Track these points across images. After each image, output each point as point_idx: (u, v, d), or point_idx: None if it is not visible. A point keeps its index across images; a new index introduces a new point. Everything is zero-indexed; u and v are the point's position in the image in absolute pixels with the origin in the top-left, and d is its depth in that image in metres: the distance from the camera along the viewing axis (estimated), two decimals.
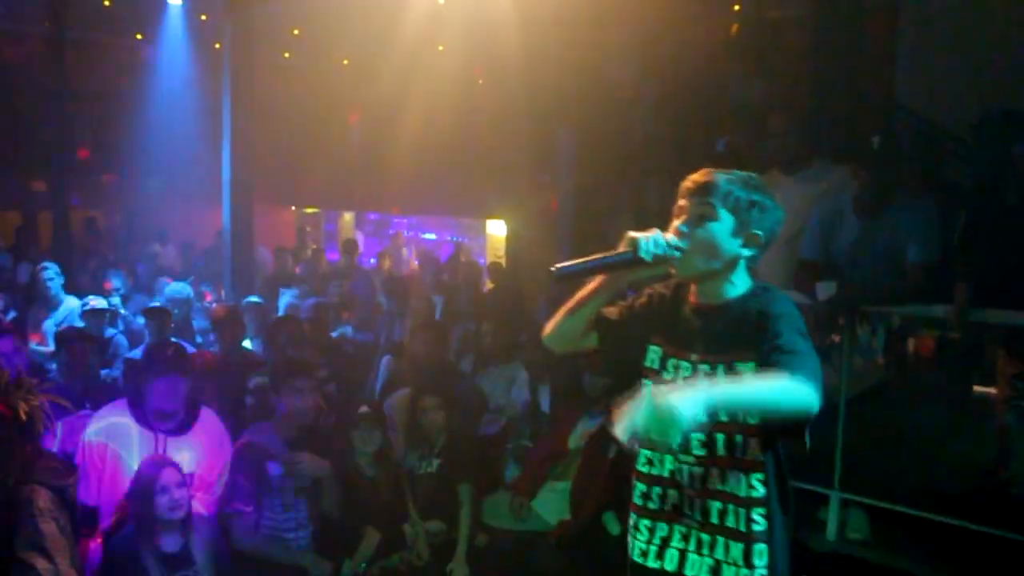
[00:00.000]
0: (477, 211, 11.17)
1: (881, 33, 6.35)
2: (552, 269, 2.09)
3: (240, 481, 4.04)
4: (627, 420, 1.86)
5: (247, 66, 8.32)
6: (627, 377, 2.35)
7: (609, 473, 4.13)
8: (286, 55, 13.50)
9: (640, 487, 2.33)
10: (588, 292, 2.28)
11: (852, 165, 4.18)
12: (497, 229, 11.91)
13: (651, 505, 2.31)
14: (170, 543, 3.55)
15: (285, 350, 5.38)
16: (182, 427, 3.93)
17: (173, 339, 5.36)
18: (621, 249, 2.12)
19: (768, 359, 2.03)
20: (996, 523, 3.72)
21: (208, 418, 4.07)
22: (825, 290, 3.98)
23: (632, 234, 2.11)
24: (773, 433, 2.19)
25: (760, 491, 2.19)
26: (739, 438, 2.18)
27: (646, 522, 2.32)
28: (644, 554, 2.31)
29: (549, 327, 2.37)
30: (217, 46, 9.35)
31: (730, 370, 2.17)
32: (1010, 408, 4.02)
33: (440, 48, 10.08)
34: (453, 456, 4.51)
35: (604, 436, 4.30)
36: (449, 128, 9.15)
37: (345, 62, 13.44)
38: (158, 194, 12.94)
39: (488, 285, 9.03)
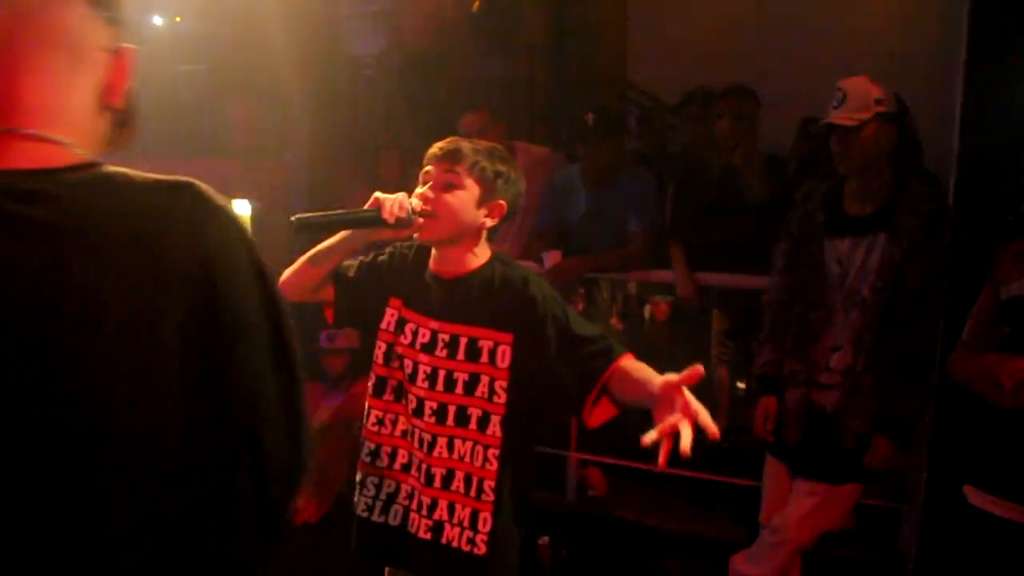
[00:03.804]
0: (219, 191, 10.69)
1: (614, 12, 6.58)
2: (292, 219, 2.07)
3: None
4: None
5: None
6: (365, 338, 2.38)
7: (352, 450, 4.07)
8: None
9: (368, 445, 2.34)
10: (329, 245, 2.26)
11: (578, 140, 4.32)
12: (242, 209, 11.50)
13: (379, 464, 2.32)
14: None
15: None
16: None
17: None
18: (366, 208, 2.12)
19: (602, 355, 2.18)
20: (718, 471, 4.04)
21: None
22: (550, 259, 4.10)
23: (378, 195, 2.12)
24: (528, 414, 2.22)
25: (492, 466, 2.19)
26: (476, 412, 2.18)
27: (373, 479, 2.32)
28: (368, 509, 2.32)
29: (286, 275, 2.32)
30: None
31: (470, 345, 2.18)
32: (720, 364, 4.32)
33: (177, 19, 9.52)
34: None
35: (347, 414, 4.24)
36: (188, 106, 8.65)
37: None
38: None
39: None
